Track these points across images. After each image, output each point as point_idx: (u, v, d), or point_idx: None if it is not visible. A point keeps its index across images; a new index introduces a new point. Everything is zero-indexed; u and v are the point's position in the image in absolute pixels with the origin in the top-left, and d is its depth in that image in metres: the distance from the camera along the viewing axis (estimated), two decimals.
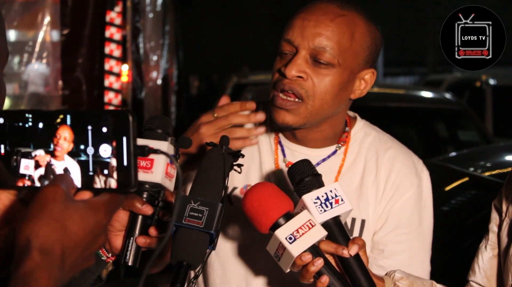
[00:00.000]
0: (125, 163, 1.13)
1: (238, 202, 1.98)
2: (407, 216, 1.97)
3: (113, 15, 5.48)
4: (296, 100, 1.86)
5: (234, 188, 2.00)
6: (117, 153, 1.14)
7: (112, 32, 5.48)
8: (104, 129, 1.14)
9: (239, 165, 1.69)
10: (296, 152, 1.99)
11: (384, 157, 2.00)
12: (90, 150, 1.15)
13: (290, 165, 1.71)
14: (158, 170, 1.57)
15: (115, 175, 1.13)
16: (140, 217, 1.59)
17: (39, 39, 4.94)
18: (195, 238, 1.51)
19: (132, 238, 1.58)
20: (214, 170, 1.59)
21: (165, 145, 1.58)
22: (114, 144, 1.14)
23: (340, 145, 2.00)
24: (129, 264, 1.57)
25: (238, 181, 1.99)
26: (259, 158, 2.01)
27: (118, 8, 5.53)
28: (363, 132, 2.04)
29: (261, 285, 1.98)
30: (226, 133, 1.93)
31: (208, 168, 1.59)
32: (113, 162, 1.13)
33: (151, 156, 1.55)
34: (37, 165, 1.17)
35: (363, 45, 1.89)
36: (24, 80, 5.06)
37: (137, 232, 1.59)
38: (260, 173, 2.00)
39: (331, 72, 1.86)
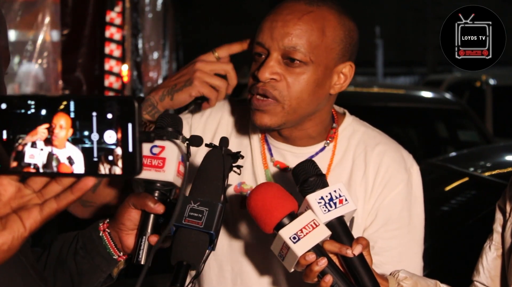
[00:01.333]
0: (130, 149, 1.14)
1: (232, 200, 1.98)
2: (397, 212, 1.96)
3: (113, 15, 5.48)
4: (271, 101, 1.86)
5: (228, 185, 2.00)
6: (122, 139, 1.14)
7: (112, 32, 5.48)
8: (109, 116, 1.14)
9: (238, 167, 1.69)
10: (283, 151, 1.99)
11: (373, 153, 1.99)
12: (95, 137, 1.15)
13: (295, 165, 1.71)
14: (170, 169, 1.57)
15: (120, 161, 1.14)
16: (152, 216, 1.59)
17: (39, 39, 4.95)
18: (194, 238, 1.51)
19: (144, 237, 1.59)
20: (214, 171, 1.59)
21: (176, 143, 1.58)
22: (119, 130, 1.14)
23: (328, 141, 1.99)
24: (142, 263, 1.58)
25: (232, 179, 2.00)
26: (251, 157, 2.01)
27: (118, 8, 5.53)
28: (351, 129, 2.03)
29: (256, 282, 1.98)
30: (208, 77, 1.96)
31: (208, 169, 1.60)
32: (118, 148, 1.14)
33: (163, 155, 1.57)
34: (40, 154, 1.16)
35: (335, 39, 1.88)
36: (24, 80, 5.07)
37: (149, 231, 1.59)
38: (252, 172, 2.00)
39: (304, 70, 1.85)
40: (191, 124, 2.05)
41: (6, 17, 1.52)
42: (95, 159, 1.15)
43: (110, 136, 1.14)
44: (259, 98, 1.86)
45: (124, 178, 1.14)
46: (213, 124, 2.05)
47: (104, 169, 1.14)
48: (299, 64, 1.85)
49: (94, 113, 1.14)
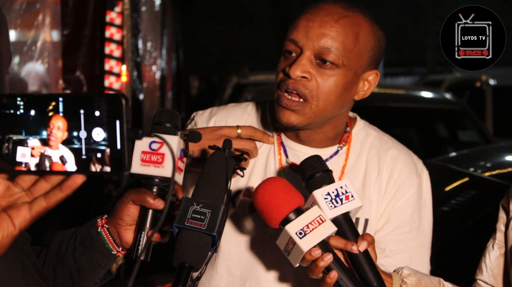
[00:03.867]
0: (118, 146, 1.14)
1: (241, 205, 1.98)
2: (408, 216, 1.99)
3: (113, 15, 5.49)
4: (301, 100, 1.87)
5: (238, 192, 2.00)
6: (110, 136, 1.14)
7: (112, 32, 5.49)
8: (97, 113, 1.14)
9: (242, 169, 1.69)
10: (298, 152, 1.99)
11: (386, 157, 2.02)
12: (83, 134, 1.15)
13: (301, 161, 1.72)
14: (169, 165, 1.57)
15: (108, 158, 1.14)
16: (150, 212, 1.59)
17: (40, 39, 4.95)
18: (197, 240, 1.51)
19: (143, 232, 1.59)
20: (217, 173, 1.59)
21: (175, 139, 1.57)
22: (107, 127, 1.14)
23: (342, 145, 2.01)
24: (141, 258, 1.57)
25: (242, 184, 2.00)
26: (261, 160, 2.01)
27: (118, 9, 5.54)
28: (363, 132, 2.06)
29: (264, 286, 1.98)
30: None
31: (211, 171, 1.60)
32: (106, 145, 1.14)
33: (162, 150, 1.56)
34: (32, 154, 1.16)
35: (367, 46, 1.90)
36: (25, 80, 5.07)
37: (148, 226, 1.59)
38: (264, 175, 2.00)
39: (335, 72, 1.86)
40: None
41: (7, 18, 1.52)
42: (84, 157, 1.15)
43: (98, 134, 1.14)
44: (289, 97, 1.87)
45: (113, 175, 1.14)
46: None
47: (93, 166, 1.14)
48: (330, 66, 1.86)
49: (82, 111, 1.14)
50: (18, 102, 1.16)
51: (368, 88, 1.95)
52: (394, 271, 1.77)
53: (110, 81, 5.49)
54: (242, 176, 1.73)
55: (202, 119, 2.07)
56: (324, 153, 1.99)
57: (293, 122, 1.88)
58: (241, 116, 2.07)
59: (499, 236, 1.92)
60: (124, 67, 5.75)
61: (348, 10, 1.89)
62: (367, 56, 1.90)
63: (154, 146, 1.57)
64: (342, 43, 1.85)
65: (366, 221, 1.97)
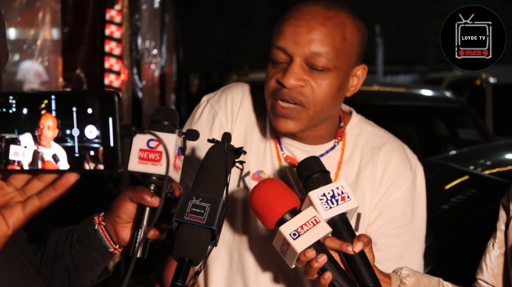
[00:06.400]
0: (111, 144, 1.14)
1: (250, 187, 1.98)
2: (401, 210, 2.00)
3: (113, 13, 5.48)
4: (297, 106, 1.86)
5: (248, 173, 2.01)
6: (103, 134, 1.14)
7: (112, 30, 5.47)
8: (90, 111, 1.14)
9: (241, 162, 1.69)
10: (293, 148, 2.00)
11: (380, 152, 2.02)
12: (76, 132, 1.15)
13: (299, 162, 1.72)
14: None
15: (101, 156, 1.14)
16: (147, 209, 1.59)
17: (40, 37, 4.95)
18: (197, 234, 1.51)
19: (140, 230, 1.59)
20: (216, 167, 1.59)
21: (173, 137, 1.57)
22: (99, 125, 1.14)
23: (338, 140, 2.02)
24: (138, 255, 1.57)
25: (253, 166, 2.00)
26: (259, 159, 2.01)
27: (118, 6, 5.52)
28: (358, 128, 2.06)
29: (269, 276, 1.99)
30: None
31: (210, 165, 1.60)
32: (99, 143, 1.14)
33: (160, 148, 1.56)
34: (25, 153, 1.16)
35: (354, 44, 1.90)
36: (25, 78, 5.07)
37: (145, 223, 1.59)
38: (271, 163, 2.00)
39: (328, 76, 1.86)
40: (229, 126, 2.04)
41: (7, 16, 1.52)
42: (77, 155, 1.14)
43: (91, 131, 1.14)
44: (285, 105, 1.86)
45: (106, 173, 1.14)
46: (237, 110, 2.04)
47: (86, 164, 1.14)
48: (322, 70, 1.85)
49: (74, 109, 1.14)
50: (10, 101, 1.16)
51: (358, 83, 1.95)
52: (393, 271, 1.76)
53: (110, 79, 5.48)
54: (241, 169, 1.73)
55: (233, 111, 2.05)
56: (321, 148, 2.00)
57: (292, 130, 1.89)
58: (255, 98, 2.05)
59: (499, 235, 1.92)
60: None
61: (330, 10, 1.88)
62: (355, 53, 1.91)
63: (152, 144, 1.57)
64: (331, 46, 1.85)
65: (359, 215, 1.97)
